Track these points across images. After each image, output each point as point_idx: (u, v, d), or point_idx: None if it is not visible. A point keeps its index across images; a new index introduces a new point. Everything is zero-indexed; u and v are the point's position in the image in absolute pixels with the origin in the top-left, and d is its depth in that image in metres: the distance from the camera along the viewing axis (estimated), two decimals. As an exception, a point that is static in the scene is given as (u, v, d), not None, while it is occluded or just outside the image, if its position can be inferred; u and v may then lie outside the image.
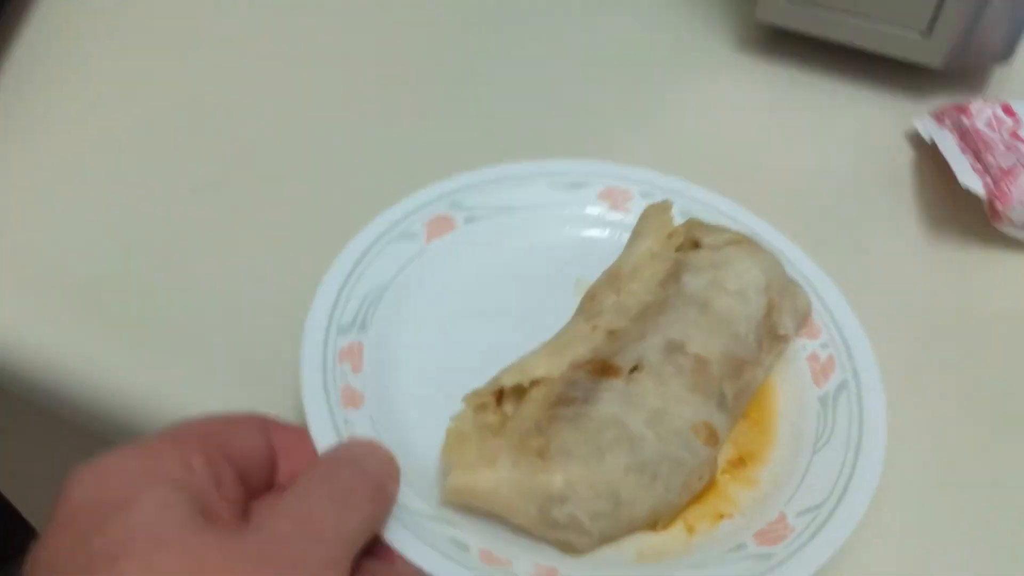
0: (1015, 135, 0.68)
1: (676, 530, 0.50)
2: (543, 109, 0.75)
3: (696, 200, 0.62)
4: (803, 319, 0.57)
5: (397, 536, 0.44)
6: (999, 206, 0.63)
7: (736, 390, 0.52)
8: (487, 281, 0.59)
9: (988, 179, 0.65)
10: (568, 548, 0.47)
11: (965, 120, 0.69)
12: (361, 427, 0.50)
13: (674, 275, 0.55)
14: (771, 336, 0.54)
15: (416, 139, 0.71)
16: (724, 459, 0.53)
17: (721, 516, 0.50)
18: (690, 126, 0.74)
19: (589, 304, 0.56)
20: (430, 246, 0.60)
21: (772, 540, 0.48)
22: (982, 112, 0.69)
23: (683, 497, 0.49)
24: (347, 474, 0.42)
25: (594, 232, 0.62)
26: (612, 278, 0.56)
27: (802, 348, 0.57)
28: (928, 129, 0.71)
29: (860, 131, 0.74)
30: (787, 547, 0.47)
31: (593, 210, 0.63)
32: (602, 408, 0.49)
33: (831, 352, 0.56)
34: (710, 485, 0.51)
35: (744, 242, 0.57)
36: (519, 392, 0.50)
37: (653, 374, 0.50)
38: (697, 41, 0.80)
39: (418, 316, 0.57)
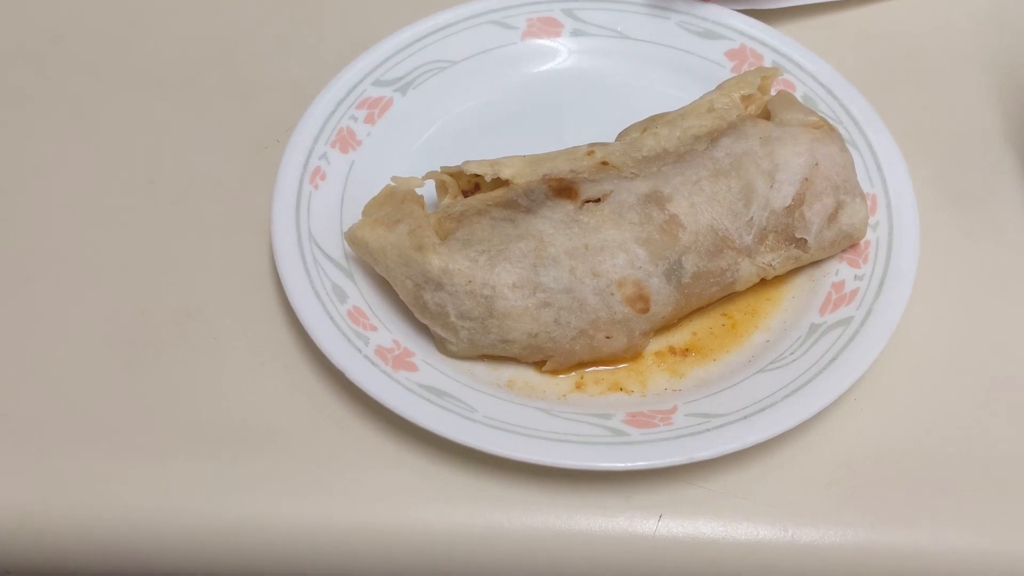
0: None
1: (563, 380, 0.45)
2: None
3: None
4: (846, 239, 0.47)
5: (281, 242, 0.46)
6: None
7: (701, 269, 0.45)
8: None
9: None
10: (442, 346, 0.45)
11: None
12: (335, 164, 0.51)
13: (715, 134, 0.48)
14: (782, 234, 0.46)
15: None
16: (670, 343, 0.46)
17: (620, 388, 0.45)
18: None
19: (620, 136, 0.50)
20: (526, 42, 0.58)
21: (642, 424, 0.42)
22: None
23: (577, 345, 0.44)
24: None
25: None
26: (653, 119, 0.50)
27: (834, 272, 0.47)
28: None
29: None
30: (648, 434, 0.41)
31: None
32: (534, 221, 0.45)
33: (860, 287, 0.46)
34: (631, 358, 0.45)
35: (822, 128, 0.48)
36: (496, 186, 0.48)
37: (612, 213, 0.45)
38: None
39: (458, 107, 0.56)
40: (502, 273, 0.43)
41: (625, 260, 0.44)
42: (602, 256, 0.44)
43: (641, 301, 0.44)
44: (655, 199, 0.45)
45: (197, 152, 0.55)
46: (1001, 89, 0.58)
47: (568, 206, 0.45)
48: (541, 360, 0.45)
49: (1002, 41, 0.61)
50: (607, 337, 0.44)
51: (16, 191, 0.53)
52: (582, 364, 0.45)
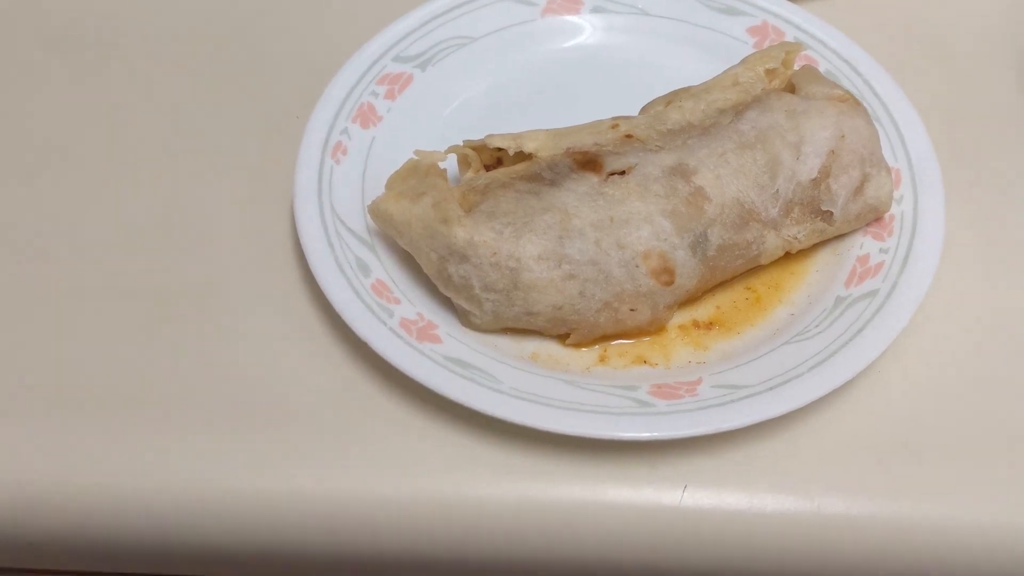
0: None
1: (587, 353, 0.45)
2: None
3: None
4: (871, 211, 0.47)
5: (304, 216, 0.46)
6: None
7: (726, 242, 0.44)
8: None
9: None
10: (465, 319, 0.45)
11: None
12: (356, 138, 0.51)
13: (740, 107, 0.48)
14: (808, 207, 0.46)
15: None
16: (693, 317, 0.46)
17: (644, 361, 0.45)
18: None
19: (644, 109, 0.50)
20: (545, 19, 0.57)
21: (668, 395, 0.42)
22: None
23: (602, 318, 0.44)
24: None
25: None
26: (676, 93, 0.50)
27: (859, 246, 0.47)
28: None
29: None
30: (674, 405, 0.41)
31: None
32: (559, 194, 0.45)
33: (885, 260, 0.46)
34: (655, 331, 0.45)
35: (848, 101, 0.47)
36: (518, 160, 0.48)
37: (638, 186, 0.44)
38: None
39: (479, 83, 0.56)
40: (527, 245, 0.43)
41: (650, 232, 0.44)
42: (627, 228, 0.44)
43: (666, 273, 0.44)
44: (680, 171, 0.45)
45: (218, 129, 0.55)
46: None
47: (593, 179, 0.45)
48: (565, 333, 0.45)
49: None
50: (631, 310, 0.44)
51: (38, 167, 0.53)
52: (606, 337, 0.45)
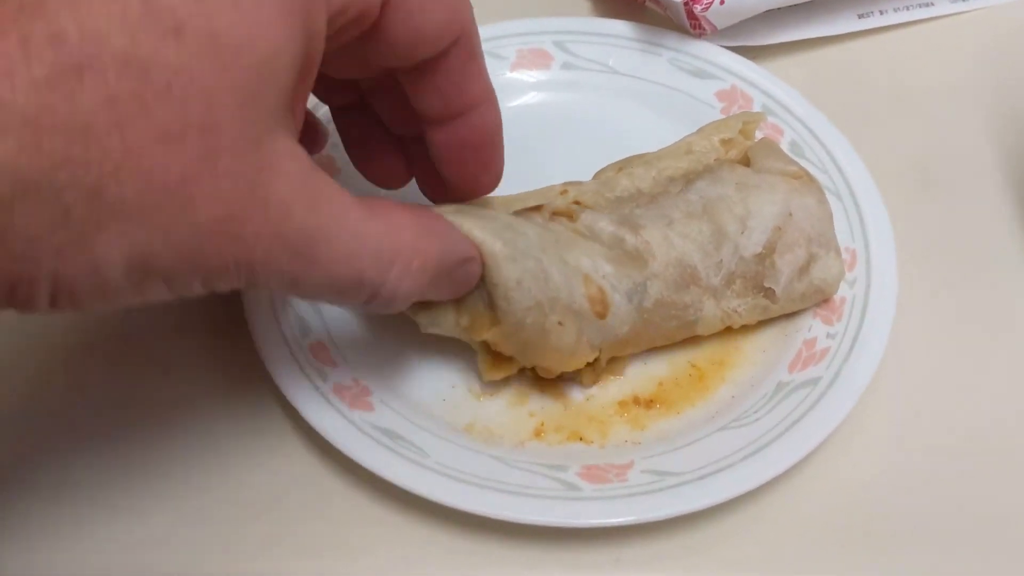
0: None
1: (522, 427, 0.44)
2: None
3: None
4: (817, 293, 0.46)
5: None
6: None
7: (664, 298, 0.43)
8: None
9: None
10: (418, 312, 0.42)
11: None
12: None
13: (691, 176, 0.47)
14: (751, 281, 0.45)
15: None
16: (635, 392, 0.46)
17: (580, 438, 0.44)
18: None
19: (597, 175, 0.50)
20: (515, 73, 0.57)
21: (596, 478, 0.41)
22: None
23: (529, 318, 0.41)
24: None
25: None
26: (629, 159, 0.49)
27: (807, 328, 0.46)
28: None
29: None
30: (601, 490, 0.41)
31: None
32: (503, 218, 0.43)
33: (831, 346, 0.45)
34: (571, 366, 0.43)
35: (801, 179, 0.47)
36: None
37: (586, 229, 0.44)
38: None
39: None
40: (467, 224, 0.41)
41: (591, 266, 0.43)
42: (572, 252, 0.43)
43: (600, 304, 0.43)
44: (628, 224, 0.44)
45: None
46: (1002, 131, 0.56)
47: (537, 218, 0.44)
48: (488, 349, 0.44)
49: (1001, 78, 0.59)
50: (559, 323, 0.42)
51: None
52: (525, 347, 0.43)
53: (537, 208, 0.45)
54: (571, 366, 0.44)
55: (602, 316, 0.43)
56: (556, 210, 0.44)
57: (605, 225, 0.44)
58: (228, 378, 0.47)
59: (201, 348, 0.48)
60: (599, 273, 0.43)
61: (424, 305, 0.41)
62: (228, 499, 0.43)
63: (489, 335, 0.42)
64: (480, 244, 0.40)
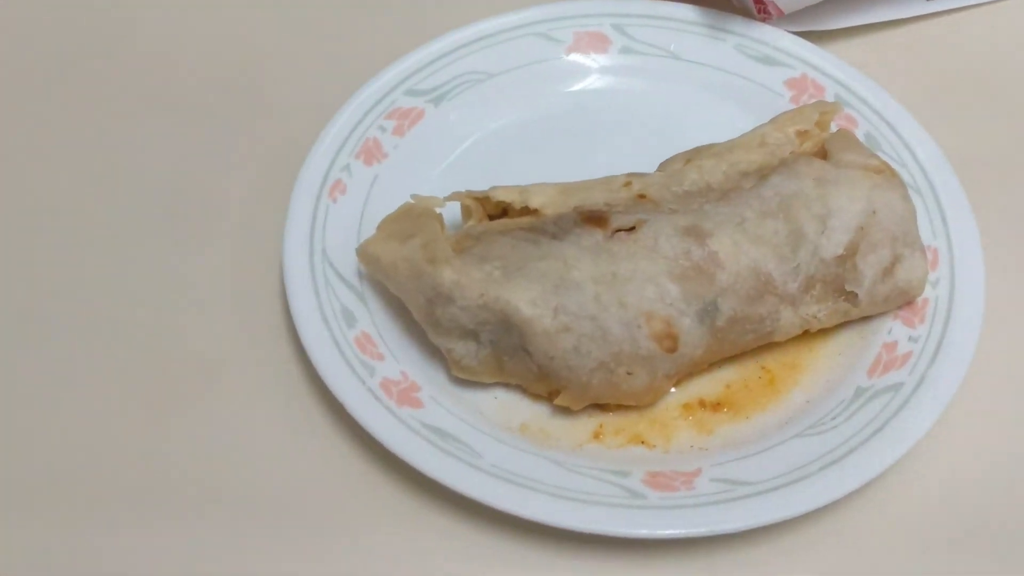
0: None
1: (581, 428, 0.42)
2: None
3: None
4: (901, 295, 0.43)
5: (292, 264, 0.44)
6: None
7: (738, 314, 0.41)
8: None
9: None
10: (456, 366, 0.42)
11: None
12: (358, 176, 0.48)
13: (765, 171, 0.44)
14: (831, 285, 0.42)
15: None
16: (700, 395, 0.43)
17: (641, 442, 0.41)
18: None
19: (662, 166, 0.47)
20: (571, 57, 0.54)
21: (662, 486, 0.38)
22: None
23: (595, 378, 0.40)
24: None
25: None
26: (698, 150, 0.46)
27: (887, 331, 0.43)
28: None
29: None
30: (668, 498, 0.38)
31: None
32: (559, 245, 0.41)
33: (913, 350, 0.42)
34: (650, 401, 0.41)
35: (883, 173, 0.44)
36: (523, 214, 0.45)
37: (647, 244, 0.41)
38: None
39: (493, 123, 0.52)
40: (517, 289, 0.40)
41: (655, 293, 0.40)
42: (631, 286, 0.40)
43: (669, 339, 0.40)
44: (694, 233, 0.41)
45: (217, 173, 0.52)
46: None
47: (598, 234, 0.42)
48: (554, 391, 0.42)
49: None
50: (628, 373, 0.40)
51: (27, 213, 0.51)
52: (598, 399, 0.41)
53: (601, 221, 0.42)
54: (653, 402, 0.42)
55: (672, 350, 0.40)
56: (620, 227, 0.42)
57: (670, 235, 0.41)
58: (262, 366, 0.44)
59: (238, 340, 0.46)
60: (665, 300, 0.40)
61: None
62: (257, 493, 0.41)
63: (559, 400, 0.41)
64: (529, 323, 0.39)
